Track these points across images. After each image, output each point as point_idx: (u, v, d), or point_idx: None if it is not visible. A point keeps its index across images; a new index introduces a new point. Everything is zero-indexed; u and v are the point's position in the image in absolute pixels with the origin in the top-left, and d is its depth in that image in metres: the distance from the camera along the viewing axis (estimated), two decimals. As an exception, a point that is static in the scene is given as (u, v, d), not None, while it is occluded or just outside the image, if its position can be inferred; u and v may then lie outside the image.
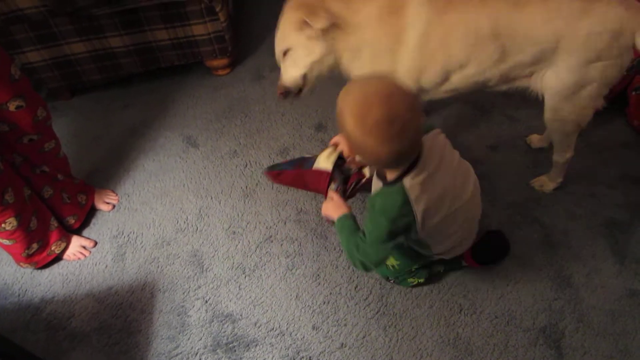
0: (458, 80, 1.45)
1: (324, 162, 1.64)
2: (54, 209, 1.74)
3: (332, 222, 1.35)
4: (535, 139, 1.95)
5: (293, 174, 1.77)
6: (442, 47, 1.38)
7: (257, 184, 1.94)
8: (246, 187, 1.93)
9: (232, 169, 2.01)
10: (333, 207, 1.34)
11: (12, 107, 1.45)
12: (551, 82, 1.40)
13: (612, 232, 1.66)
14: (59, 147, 1.74)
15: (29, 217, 1.59)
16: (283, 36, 1.47)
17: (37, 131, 1.57)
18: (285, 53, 1.50)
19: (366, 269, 1.25)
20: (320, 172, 1.63)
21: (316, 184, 1.66)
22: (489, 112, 2.13)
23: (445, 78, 1.45)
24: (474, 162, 1.34)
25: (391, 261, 1.47)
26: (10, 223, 1.53)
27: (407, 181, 1.10)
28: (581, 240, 1.65)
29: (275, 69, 2.43)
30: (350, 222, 1.28)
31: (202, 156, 2.08)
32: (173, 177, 2.01)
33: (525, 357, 1.40)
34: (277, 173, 1.84)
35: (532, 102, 1.53)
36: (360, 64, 1.45)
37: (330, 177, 1.60)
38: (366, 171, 1.57)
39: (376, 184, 1.26)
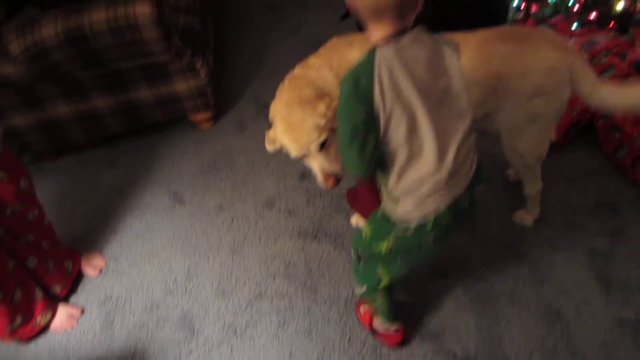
0: None
1: None
2: (40, 278, 1.73)
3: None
4: (512, 173, 1.99)
5: None
6: None
7: (244, 238, 1.95)
8: (234, 242, 1.94)
9: (219, 224, 2.02)
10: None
11: (-6, 181, 1.46)
12: (501, 121, 1.50)
13: (595, 261, 1.69)
14: (43, 214, 1.75)
15: (12, 289, 1.58)
16: (316, 130, 1.37)
17: (20, 202, 1.58)
18: (322, 145, 1.41)
19: (354, 171, 1.10)
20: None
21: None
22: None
23: None
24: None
25: (365, 229, 1.29)
26: (-6, 298, 1.51)
27: (381, 50, 0.99)
28: (566, 272, 1.67)
29: (258, 119, 2.51)
30: None
31: (189, 213, 2.09)
32: (160, 236, 2.01)
33: (522, 399, 1.40)
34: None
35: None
36: None
37: None
38: None
39: None
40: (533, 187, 1.71)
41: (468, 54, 1.37)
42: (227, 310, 1.71)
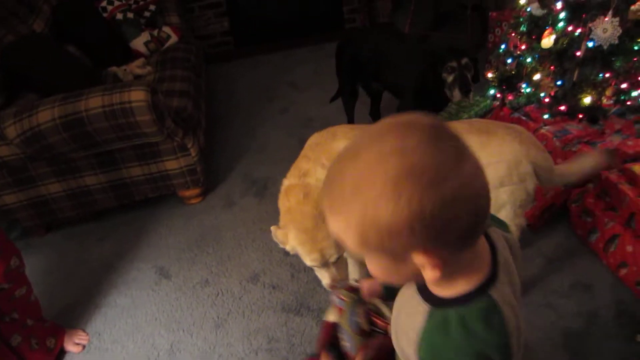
0: None
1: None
2: (22, 356, 1.73)
3: None
4: None
5: None
6: None
7: (228, 313, 1.98)
8: (218, 317, 1.97)
9: (204, 299, 2.05)
10: None
11: (-15, 260, 1.51)
12: None
13: (570, 341, 1.73)
14: (31, 292, 1.78)
15: (-5, 368, 1.58)
16: (337, 247, 1.47)
17: (9, 280, 1.62)
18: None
19: None
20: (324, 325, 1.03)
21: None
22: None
23: None
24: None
25: None
26: (-26, 378, 1.51)
27: (495, 292, 0.66)
28: (542, 351, 1.71)
29: (246, 194, 2.61)
30: None
31: (175, 287, 2.12)
32: (145, 311, 2.03)
33: None
34: None
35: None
36: None
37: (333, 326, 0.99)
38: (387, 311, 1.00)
39: (412, 314, 0.71)
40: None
41: None
42: (208, 390, 1.71)
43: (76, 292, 2.16)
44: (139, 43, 3.19)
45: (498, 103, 2.60)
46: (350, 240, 0.59)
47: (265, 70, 4.04)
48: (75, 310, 2.07)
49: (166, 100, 2.44)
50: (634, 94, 2.06)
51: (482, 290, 0.65)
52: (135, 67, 2.91)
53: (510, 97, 2.61)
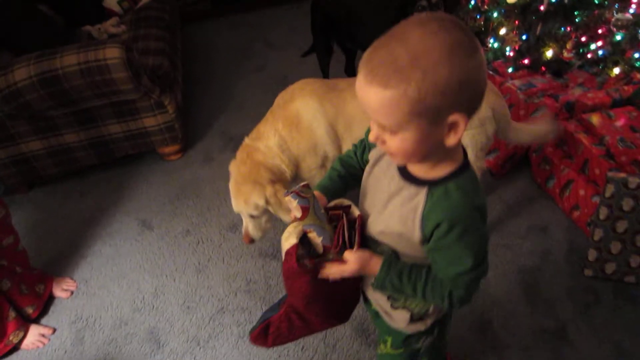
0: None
1: (287, 241, 0.94)
2: (12, 300, 1.83)
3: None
4: None
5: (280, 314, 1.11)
6: (347, 131, 1.74)
7: (209, 259, 2.09)
8: (199, 263, 2.08)
9: (186, 247, 2.16)
10: (354, 267, 0.91)
11: (-27, 209, 1.59)
12: None
13: (524, 277, 1.90)
14: (18, 241, 1.87)
15: (-13, 310, 1.68)
16: (253, 207, 1.69)
17: (-3, 229, 1.70)
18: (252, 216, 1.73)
19: (469, 300, 0.89)
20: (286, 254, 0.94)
21: (291, 280, 0.95)
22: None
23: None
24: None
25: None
26: (-32, 317, 1.61)
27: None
28: (499, 287, 1.87)
29: (224, 150, 2.69)
30: (402, 262, 0.92)
31: (157, 237, 2.23)
32: (129, 259, 2.14)
33: (455, 398, 1.56)
34: (261, 328, 1.12)
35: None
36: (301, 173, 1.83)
37: (297, 246, 0.91)
38: (355, 209, 1.00)
39: (408, 201, 0.85)
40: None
41: None
42: (192, 324, 1.84)
43: (61, 244, 2.25)
44: (112, 2, 3.17)
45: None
46: (402, 109, 0.71)
47: (242, 29, 4.05)
48: (62, 260, 2.17)
49: (142, 59, 2.48)
50: (593, 46, 2.16)
51: (465, 167, 0.84)
52: (110, 25, 2.91)
53: (480, 53, 2.69)
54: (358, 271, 0.91)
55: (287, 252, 0.91)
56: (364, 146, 1.04)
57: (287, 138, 1.76)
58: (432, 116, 0.72)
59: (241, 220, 2.24)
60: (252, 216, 1.72)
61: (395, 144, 0.78)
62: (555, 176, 2.14)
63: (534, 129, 1.82)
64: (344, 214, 0.98)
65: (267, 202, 1.67)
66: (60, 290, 2.01)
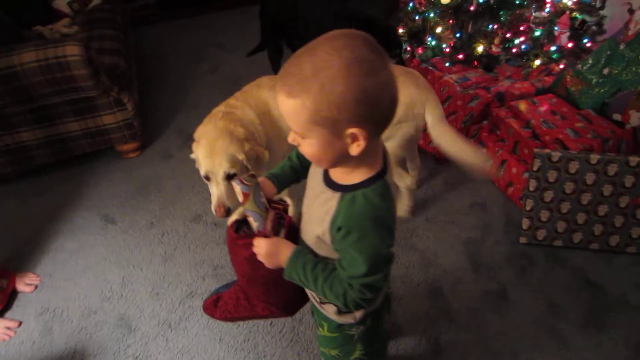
0: None
1: (231, 218, 1.25)
2: (-24, 295, 1.83)
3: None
4: None
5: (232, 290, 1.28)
6: None
7: (175, 249, 2.16)
8: (165, 252, 2.15)
9: (150, 238, 2.22)
10: (268, 252, 0.99)
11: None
12: None
13: (469, 248, 2.10)
14: (-20, 235, 1.86)
15: (-47, 303, 1.67)
16: (231, 160, 1.57)
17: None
18: (228, 177, 1.60)
19: (364, 305, 0.95)
20: (228, 227, 1.12)
21: (233, 254, 1.14)
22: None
23: None
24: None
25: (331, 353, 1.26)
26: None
27: (387, 178, 0.92)
28: (447, 258, 2.07)
29: (183, 148, 2.76)
30: (311, 256, 0.99)
31: (121, 231, 2.27)
32: (94, 252, 2.17)
33: (412, 355, 1.72)
34: (213, 299, 1.30)
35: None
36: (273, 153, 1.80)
37: (235, 223, 1.10)
38: (291, 209, 1.10)
39: (324, 204, 0.93)
40: (402, 185, 2.11)
41: None
42: (162, 309, 1.90)
43: (21, 242, 2.24)
44: (61, 3, 3.16)
45: (409, 56, 2.90)
46: (302, 118, 0.79)
47: (193, 32, 4.11)
48: (23, 257, 2.16)
49: (98, 58, 2.51)
50: (517, 41, 2.43)
51: (379, 176, 0.90)
52: (62, 26, 2.91)
53: (420, 51, 2.93)
54: (267, 256, 0.99)
55: (229, 226, 1.09)
56: None
57: (260, 119, 1.76)
58: (330, 127, 0.79)
59: (205, 210, 2.33)
60: (228, 176, 1.58)
61: (304, 148, 0.86)
62: (492, 158, 2.38)
63: (463, 148, 1.75)
64: (283, 210, 1.09)
65: (245, 157, 1.59)
66: (24, 285, 2.02)
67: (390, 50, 2.43)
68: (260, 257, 1.01)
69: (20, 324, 1.90)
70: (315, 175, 1.01)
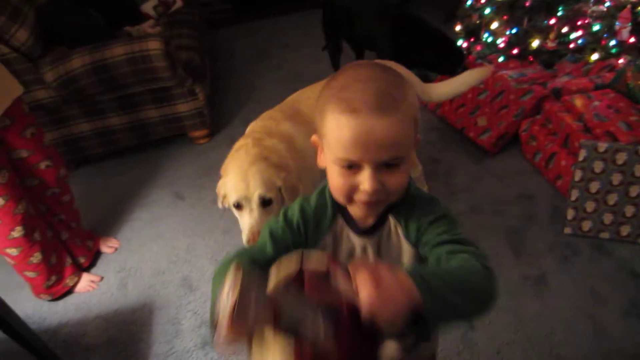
0: None
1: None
2: (68, 249, 2.14)
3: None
4: None
5: None
6: None
7: (234, 223, 2.36)
8: (225, 226, 2.38)
9: (213, 213, 2.46)
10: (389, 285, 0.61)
11: (42, 166, 1.92)
12: None
13: (511, 236, 2.14)
14: (73, 200, 2.19)
15: (50, 253, 1.99)
16: (268, 184, 1.46)
17: (59, 185, 2.02)
18: (264, 203, 1.48)
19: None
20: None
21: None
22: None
23: None
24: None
25: None
26: (37, 257, 1.93)
27: None
28: (488, 243, 2.12)
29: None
30: (433, 268, 0.78)
31: (189, 206, 2.54)
32: (165, 223, 2.45)
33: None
34: None
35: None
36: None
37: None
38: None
39: (387, 242, 0.86)
40: (415, 172, 2.19)
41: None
42: (219, 272, 2.13)
43: (105, 212, 2.58)
44: (148, 7, 3.54)
45: (465, 52, 2.97)
46: (410, 129, 0.73)
47: (261, 34, 4.40)
48: (106, 225, 2.49)
49: (176, 53, 2.82)
50: (572, 36, 2.43)
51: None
52: (147, 27, 3.27)
53: (478, 48, 2.99)
54: (387, 297, 0.60)
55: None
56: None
57: (288, 151, 1.65)
58: (416, 130, 0.77)
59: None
60: (263, 202, 1.45)
61: (397, 179, 0.74)
62: (541, 151, 2.39)
63: (462, 80, 2.03)
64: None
65: (283, 185, 1.48)
66: (106, 247, 2.33)
67: (456, 66, 2.55)
68: (380, 301, 0.60)
69: (102, 278, 2.20)
70: (344, 246, 0.87)
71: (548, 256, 2.03)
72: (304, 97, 1.86)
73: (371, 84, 0.71)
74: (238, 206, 1.49)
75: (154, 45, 2.47)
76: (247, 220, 1.48)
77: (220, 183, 1.54)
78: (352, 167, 0.73)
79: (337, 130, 0.71)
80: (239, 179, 1.46)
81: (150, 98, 2.70)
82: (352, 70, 0.76)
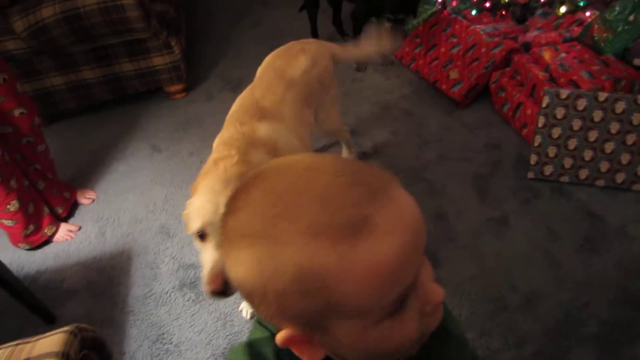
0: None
1: None
2: (46, 199, 2.17)
3: None
4: None
5: None
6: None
7: (210, 174, 2.43)
8: (202, 176, 2.42)
9: (190, 165, 2.50)
10: None
11: (16, 113, 1.93)
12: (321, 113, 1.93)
13: (477, 181, 2.24)
14: (48, 151, 2.20)
15: (27, 202, 2.02)
16: None
17: (33, 134, 2.04)
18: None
19: None
20: None
21: None
22: (391, 110, 2.74)
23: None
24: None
25: None
26: (14, 205, 1.96)
27: None
28: (455, 189, 2.21)
29: (223, 90, 3.02)
30: None
31: (166, 158, 2.57)
32: (142, 174, 2.48)
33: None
34: None
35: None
36: None
37: None
38: None
39: None
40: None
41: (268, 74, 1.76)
42: (196, 218, 2.19)
43: (82, 165, 2.59)
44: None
45: (440, 7, 3.00)
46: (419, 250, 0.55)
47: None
48: (83, 177, 2.51)
49: (152, 4, 2.79)
50: (542, -12, 2.48)
51: None
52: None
53: (454, 4, 3.02)
54: None
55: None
56: None
57: None
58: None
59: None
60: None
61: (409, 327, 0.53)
62: (509, 101, 2.47)
63: (366, 49, 2.03)
64: None
65: None
66: (84, 198, 2.36)
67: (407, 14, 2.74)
68: None
69: (80, 228, 2.24)
70: None
71: (511, 199, 2.14)
72: (258, 94, 1.67)
73: (341, 179, 0.49)
74: (202, 236, 1.20)
75: (126, -5, 2.44)
76: (209, 256, 1.17)
77: (187, 204, 1.28)
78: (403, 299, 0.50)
79: (360, 271, 0.46)
80: (206, 200, 1.20)
81: (125, 50, 2.69)
82: (287, 186, 0.49)
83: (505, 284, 1.82)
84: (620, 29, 2.37)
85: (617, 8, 2.40)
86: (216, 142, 1.56)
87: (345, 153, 2.33)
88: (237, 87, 2.99)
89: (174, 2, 3.08)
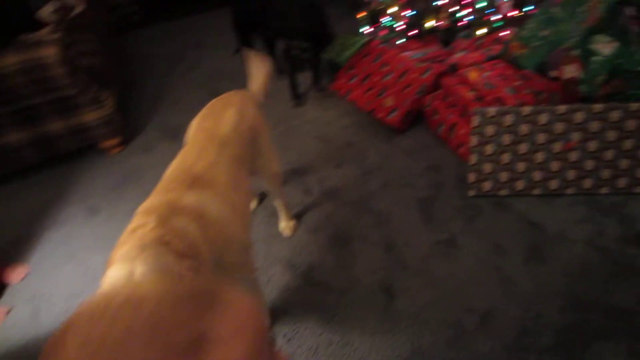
0: None
1: None
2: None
3: None
4: None
5: None
6: None
7: (153, 229, 2.34)
8: (144, 233, 2.32)
9: (131, 222, 2.40)
10: None
11: None
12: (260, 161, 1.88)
13: (422, 205, 2.26)
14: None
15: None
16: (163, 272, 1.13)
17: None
18: None
19: None
20: None
21: None
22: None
23: None
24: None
25: None
26: None
27: None
28: (401, 216, 2.22)
29: (163, 139, 2.94)
30: None
31: (104, 219, 2.45)
32: (79, 241, 2.35)
33: (368, 302, 1.88)
34: None
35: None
36: None
37: None
38: None
39: None
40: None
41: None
42: (139, 279, 2.08)
43: (10, 238, 2.42)
44: (45, 13, 3.37)
45: (371, 38, 3.08)
46: None
47: (174, 35, 4.32)
48: (11, 250, 2.33)
49: (78, 58, 2.71)
50: (459, 14, 2.60)
51: None
52: (45, 34, 3.11)
53: (382, 33, 3.12)
54: None
55: None
56: None
57: (200, 230, 1.37)
58: None
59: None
60: None
61: None
62: (444, 123, 2.53)
63: (259, 81, 2.00)
64: None
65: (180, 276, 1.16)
66: (13, 276, 2.19)
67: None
68: None
69: (9, 311, 2.05)
70: None
71: (456, 219, 2.16)
72: (190, 160, 1.56)
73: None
74: None
75: (48, 52, 2.36)
76: None
77: (103, 279, 1.20)
78: None
79: None
80: (120, 267, 1.15)
81: (53, 109, 2.58)
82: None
83: (461, 306, 1.82)
84: (535, 44, 2.50)
85: (530, 25, 2.54)
86: (136, 212, 1.43)
87: (283, 220, 2.25)
88: (176, 135, 2.92)
89: (104, 55, 3.01)
